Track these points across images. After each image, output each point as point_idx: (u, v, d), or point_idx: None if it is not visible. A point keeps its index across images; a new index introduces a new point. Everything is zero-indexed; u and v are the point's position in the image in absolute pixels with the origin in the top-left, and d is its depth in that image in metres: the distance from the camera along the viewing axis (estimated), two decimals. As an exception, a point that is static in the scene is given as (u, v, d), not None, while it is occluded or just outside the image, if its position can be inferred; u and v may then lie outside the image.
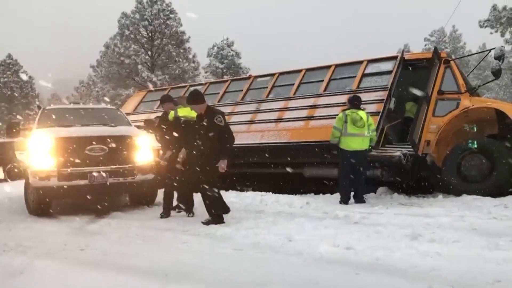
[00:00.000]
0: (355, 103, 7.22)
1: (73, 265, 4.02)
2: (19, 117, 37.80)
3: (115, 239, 5.10)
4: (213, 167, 5.63)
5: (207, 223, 5.63)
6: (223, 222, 5.65)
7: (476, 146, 7.26)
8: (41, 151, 6.60)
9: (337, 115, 7.88)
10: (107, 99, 31.25)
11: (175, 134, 6.47)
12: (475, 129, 7.43)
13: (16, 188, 8.84)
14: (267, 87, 9.85)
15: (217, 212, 5.72)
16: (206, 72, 37.51)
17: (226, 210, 5.75)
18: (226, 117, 9.60)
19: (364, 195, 7.20)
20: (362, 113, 7.07)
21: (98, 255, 4.34)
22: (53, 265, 4.05)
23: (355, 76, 8.62)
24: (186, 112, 6.48)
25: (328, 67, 9.23)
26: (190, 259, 4.12)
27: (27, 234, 5.49)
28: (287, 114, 8.94)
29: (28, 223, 6.27)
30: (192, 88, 11.72)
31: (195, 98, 5.86)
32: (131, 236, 5.17)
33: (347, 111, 7.18)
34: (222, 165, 5.60)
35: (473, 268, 3.36)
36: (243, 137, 9.27)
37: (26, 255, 4.39)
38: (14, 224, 6.16)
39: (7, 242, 4.89)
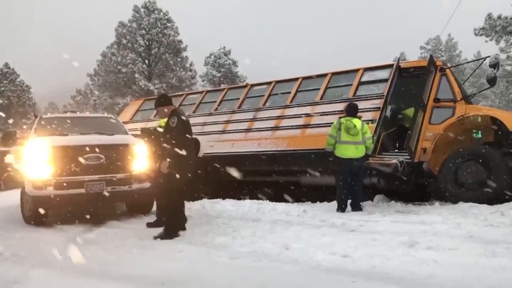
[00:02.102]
0: (350, 111, 7.24)
1: (69, 275, 3.99)
2: (10, 121, 37.73)
3: (112, 248, 5.08)
4: (174, 175, 5.52)
5: (159, 236, 5.45)
6: (177, 236, 5.49)
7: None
8: (37, 160, 6.58)
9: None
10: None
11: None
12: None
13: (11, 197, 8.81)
14: (264, 95, 9.88)
15: (172, 225, 5.60)
16: (203, 81, 37.63)
17: (181, 227, 5.68)
18: (223, 125, 9.80)
19: (361, 203, 7.20)
20: (356, 121, 7.09)
21: (94, 264, 4.32)
22: (48, 274, 4.03)
23: (351, 84, 8.65)
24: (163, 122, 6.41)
25: (325, 75, 9.27)
26: (186, 267, 4.10)
27: (23, 244, 5.46)
28: (284, 122, 8.96)
29: (23, 233, 6.22)
30: (189, 97, 11.79)
31: (161, 100, 5.91)
32: (127, 245, 5.15)
33: (342, 119, 7.21)
34: (162, 166, 5.50)
35: (470, 276, 3.36)
36: (240, 145, 9.29)
37: (21, 264, 4.37)
38: (10, 234, 6.13)
39: (3, 251, 4.86)
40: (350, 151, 7.05)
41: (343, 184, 7.13)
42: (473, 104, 8.48)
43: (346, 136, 7.05)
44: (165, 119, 6.08)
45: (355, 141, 7.03)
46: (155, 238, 5.46)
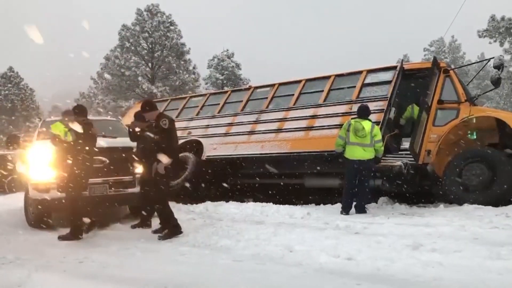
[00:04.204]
0: (360, 112, 7.21)
1: (71, 278, 3.99)
2: (11, 127, 37.86)
3: (114, 251, 5.08)
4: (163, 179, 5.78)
5: (163, 237, 5.69)
6: (181, 232, 5.75)
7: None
8: (41, 163, 6.59)
9: (337, 125, 7.89)
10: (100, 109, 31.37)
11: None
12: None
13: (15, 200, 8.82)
14: (267, 98, 9.86)
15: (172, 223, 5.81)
16: (206, 84, 37.64)
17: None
18: (226, 128, 9.80)
19: (365, 205, 7.17)
20: (365, 123, 7.04)
21: (97, 267, 4.31)
22: (51, 277, 4.03)
23: (355, 86, 8.62)
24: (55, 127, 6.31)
25: (328, 77, 9.23)
26: (189, 270, 4.09)
27: (26, 247, 5.47)
28: (287, 125, 8.94)
29: (27, 235, 6.24)
30: (192, 99, 11.80)
31: (147, 106, 6.04)
32: (130, 248, 5.15)
33: (351, 120, 7.17)
34: (159, 167, 5.65)
35: (475, 278, 3.33)
36: (243, 147, 9.28)
37: (24, 267, 4.36)
38: (13, 237, 6.14)
39: (6, 254, 4.86)
40: (357, 152, 7.01)
41: (349, 185, 7.11)
42: (478, 106, 8.45)
43: (354, 138, 7.02)
44: (64, 127, 6.09)
45: (363, 143, 6.98)
46: (160, 238, 5.66)
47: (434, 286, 3.27)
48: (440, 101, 7.87)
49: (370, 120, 7.15)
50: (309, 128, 8.55)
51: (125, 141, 7.43)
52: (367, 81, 8.60)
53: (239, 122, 9.82)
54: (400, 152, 8.44)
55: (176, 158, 5.95)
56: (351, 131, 7.05)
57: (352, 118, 7.30)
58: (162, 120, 5.78)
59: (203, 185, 9.63)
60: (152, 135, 5.89)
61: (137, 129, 6.87)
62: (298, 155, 8.46)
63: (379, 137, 7.11)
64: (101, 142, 7.20)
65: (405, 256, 4.06)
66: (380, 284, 3.37)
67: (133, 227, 6.65)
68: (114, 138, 7.43)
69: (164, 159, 5.64)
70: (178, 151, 5.99)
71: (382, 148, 7.19)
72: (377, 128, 7.13)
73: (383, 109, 7.80)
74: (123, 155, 6.96)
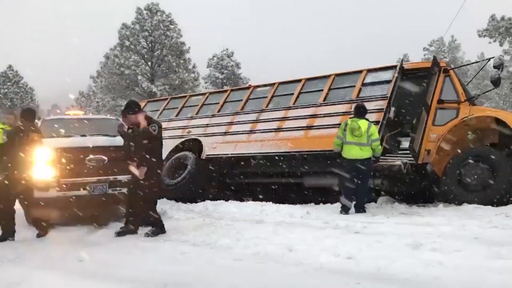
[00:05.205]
0: (357, 111, 7.22)
1: (71, 276, 3.99)
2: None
3: (114, 249, 5.08)
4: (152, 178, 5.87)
5: (152, 234, 5.79)
6: (165, 232, 5.88)
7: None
8: (40, 161, 6.58)
9: (336, 124, 7.89)
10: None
11: None
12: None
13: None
14: (267, 97, 9.85)
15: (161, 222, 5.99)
16: (206, 83, 37.68)
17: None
18: (226, 127, 9.80)
19: (365, 205, 7.16)
20: (362, 122, 7.04)
21: (97, 266, 4.31)
22: (51, 276, 4.03)
23: (355, 86, 8.61)
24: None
25: (328, 76, 9.23)
26: (189, 269, 4.08)
27: (26, 245, 5.46)
28: (287, 124, 8.93)
29: (26, 234, 6.23)
30: (192, 98, 11.80)
31: (130, 107, 6.06)
32: (130, 247, 5.15)
33: (348, 120, 7.18)
34: (140, 172, 5.72)
35: (475, 278, 3.33)
36: (243, 146, 9.28)
37: (24, 266, 4.36)
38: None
39: (6, 253, 4.87)
40: (354, 151, 7.01)
41: (348, 184, 7.10)
42: (477, 106, 8.44)
43: (351, 137, 7.03)
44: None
45: (359, 143, 6.99)
46: (147, 235, 5.73)
47: (435, 285, 3.26)
48: (440, 101, 7.87)
49: (367, 119, 7.16)
50: (309, 127, 8.55)
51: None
52: (367, 80, 8.59)
53: (239, 121, 9.82)
54: (399, 152, 8.44)
55: (160, 163, 6.19)
56: (348, 130, 7.06)
57: (349, 118, 7.31)
58: (151, 126, 5.79)
59: (202, 184, 9.63)
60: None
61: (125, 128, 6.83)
62: (298, 154, 8.46)
63: (376, 136, 7.10)
64: (101, 140, 7.21)
65: (405, 255, 4.05)
66: (381, 283, 3.37)
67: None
68: (114, 137, 7.41)
69: (143, 165, 5.73)
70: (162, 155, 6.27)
71: (380, 147, 7.18)
72: (373, 127, 7.13)
73: (383, 109, 7.79)
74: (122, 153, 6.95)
